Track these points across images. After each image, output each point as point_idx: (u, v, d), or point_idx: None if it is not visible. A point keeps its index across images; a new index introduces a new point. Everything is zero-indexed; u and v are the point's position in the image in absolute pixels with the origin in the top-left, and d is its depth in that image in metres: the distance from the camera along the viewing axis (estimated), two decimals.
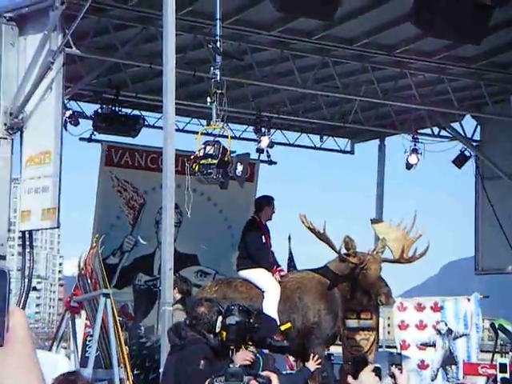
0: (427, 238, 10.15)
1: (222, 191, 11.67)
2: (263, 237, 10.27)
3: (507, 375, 9.17)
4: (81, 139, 15.70)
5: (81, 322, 12.34)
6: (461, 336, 12.23)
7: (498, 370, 9.40)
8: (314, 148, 18.08)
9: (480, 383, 9.74)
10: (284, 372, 10.59)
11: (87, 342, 11.99)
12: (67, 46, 10.98)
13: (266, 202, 10.46)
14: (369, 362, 4.03)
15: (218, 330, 6.18)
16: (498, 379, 8.92)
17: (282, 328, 9.08)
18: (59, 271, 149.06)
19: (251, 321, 6.39)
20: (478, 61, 13.95)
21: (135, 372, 11.65)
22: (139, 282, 16.01)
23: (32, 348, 1.26)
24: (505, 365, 9.44)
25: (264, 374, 2.76)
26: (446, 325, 12.26)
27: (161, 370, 8.27)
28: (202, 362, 6.05)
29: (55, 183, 10.89)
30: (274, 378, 2.67)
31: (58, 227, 11.19)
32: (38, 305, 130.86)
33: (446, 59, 13.80)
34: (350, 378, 3.95)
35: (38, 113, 11.29)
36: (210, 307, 6.33)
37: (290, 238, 13.81)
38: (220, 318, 6.18)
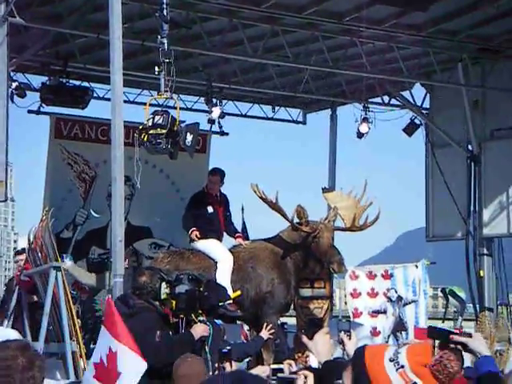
0: (380, 207, 10.19)
1: (174, 163, 11.58)
2: (209, 207, 10.24)
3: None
4: (29, 111, 15.46)
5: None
6: (410, 303, 12.36)
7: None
8: (267, 118, 18.05)
9: None
10: (238, 341, 10.63)
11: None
12: (11, 16, 10.75)
13: (208, 172, 10.50)
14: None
15: (163, 296, 6.14)
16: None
17: (232, 296, 9.10)
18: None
19: (201, 289, 6.37)
20: (427, 28, 13.98)
21: (91, 346, 11.55)
22: (92, 255, 15.91)
23: None
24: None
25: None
26: (396, 292, 12.38)
27: None
28: (158, 333, 6.01)
29: (1, 156, 10.70)
30: (309, 376, 2.81)
31: (5, 200, 11.01)
32: None
33: (395, 27, 13.80)
34: (304, 338, 3.94)
35: None
36: (151, 275, 6.30)
37: (242, 208, 13.79)
38: (164, 285, 6.15)
